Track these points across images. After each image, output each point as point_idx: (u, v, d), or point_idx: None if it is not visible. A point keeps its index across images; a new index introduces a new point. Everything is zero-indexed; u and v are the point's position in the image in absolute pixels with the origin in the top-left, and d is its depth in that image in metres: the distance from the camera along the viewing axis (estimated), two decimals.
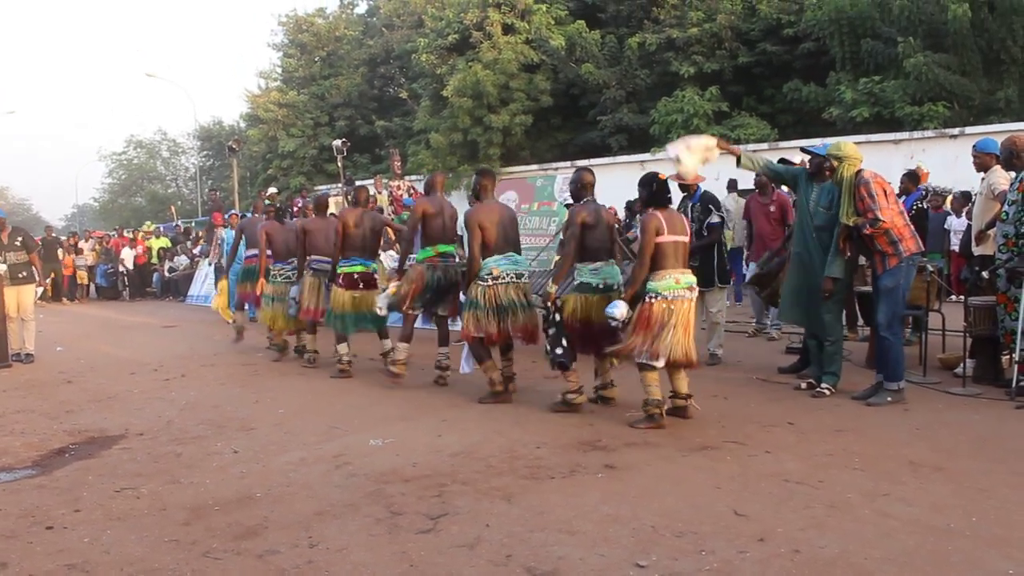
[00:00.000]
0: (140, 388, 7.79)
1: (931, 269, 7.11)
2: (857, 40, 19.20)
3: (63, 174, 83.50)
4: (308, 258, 8.57)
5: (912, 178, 9.55)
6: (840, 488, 4.14)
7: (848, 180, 6.01)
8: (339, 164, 15.01)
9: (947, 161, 15.88)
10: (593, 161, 21.38)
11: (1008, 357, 6.34)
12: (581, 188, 6.17)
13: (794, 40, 20.71)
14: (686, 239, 5.69)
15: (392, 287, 7.21)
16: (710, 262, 7.63)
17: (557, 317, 6.00)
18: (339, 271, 7.89)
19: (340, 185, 15.36)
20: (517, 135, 22.92)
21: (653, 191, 5.72)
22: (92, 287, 22.83)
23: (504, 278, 6.36)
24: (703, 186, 7.71)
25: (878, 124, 18.06)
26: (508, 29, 23.57)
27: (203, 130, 40.48)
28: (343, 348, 8.02)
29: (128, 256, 22.15)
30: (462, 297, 7.05)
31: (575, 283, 6.02)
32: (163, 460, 5.19)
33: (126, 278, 22.33)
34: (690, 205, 7.68)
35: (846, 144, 6.19)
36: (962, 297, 7.88)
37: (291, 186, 27.59)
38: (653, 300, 5.45)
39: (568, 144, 24.45)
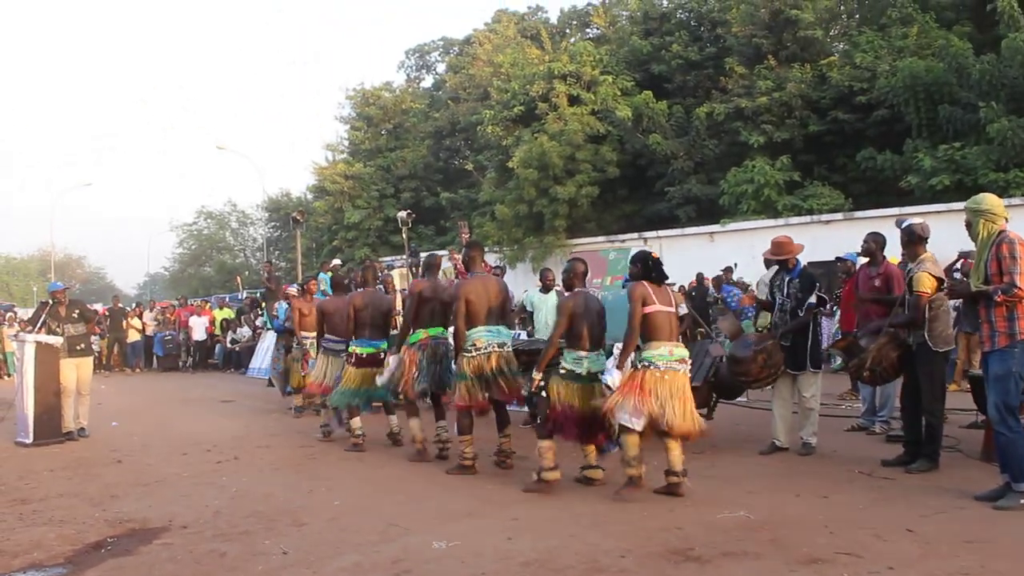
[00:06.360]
0: (190, 471, 7.39)
1: None
2: (934, 106, 18.58)
3: (137, 243, 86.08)
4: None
5: None
6: None
7: (989, 238, 5.38)
8: (404, 236, 14.79)
9: None
10: (661, 233, 20.96)
11: None
12: (573, 277, 6.30)
13: (867, 108, 20.12)
14: (672, 310, 5.84)
15: (391, 359, 7.51)
16: (804, 344, 6.95)
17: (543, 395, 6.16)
18: (351, 351, 8.12)
19: (405, 257, 15.11)
20: (583, 206, 22.57)
21: (646, 267, 5.88)
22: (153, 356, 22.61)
23: (486, 348, 6.53)
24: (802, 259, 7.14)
25: (960, 192, 17.12)
26: (574, 100, 23.46)
27: (271, 201, 41.07)
28: (356, 423, 8.14)
29: (197, 325, 21.91)
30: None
31: (560, 370, 6.11)
32: (205, 560, 4.72)
33: (192, 347, 22.13)
34: (787, 280, 7.07)
35: (989, 197, 5.54)
36: None
37: (355, 257, 27.63)
38: (646, 368, 5.60)
39: (635, 215, 24.03)
